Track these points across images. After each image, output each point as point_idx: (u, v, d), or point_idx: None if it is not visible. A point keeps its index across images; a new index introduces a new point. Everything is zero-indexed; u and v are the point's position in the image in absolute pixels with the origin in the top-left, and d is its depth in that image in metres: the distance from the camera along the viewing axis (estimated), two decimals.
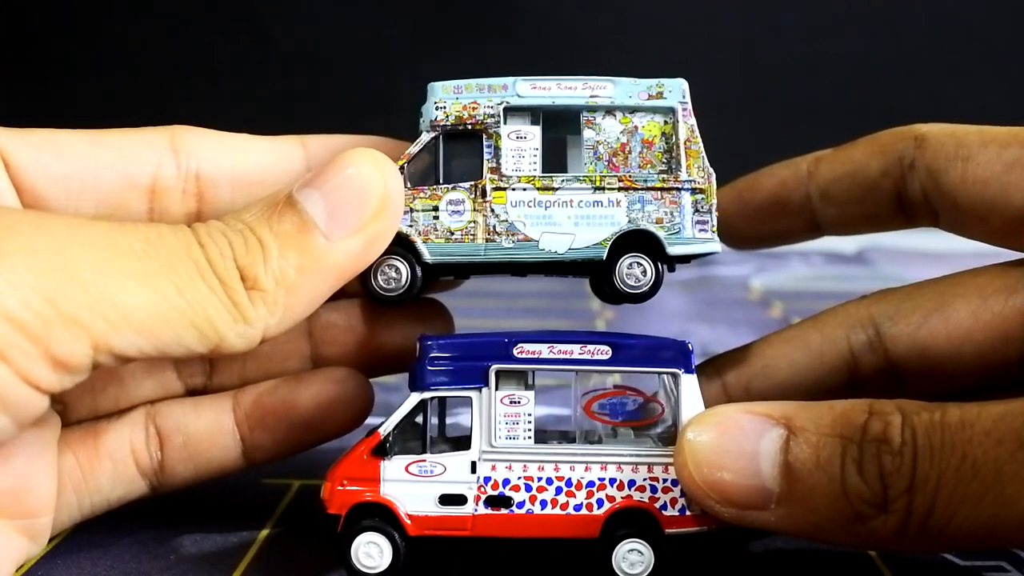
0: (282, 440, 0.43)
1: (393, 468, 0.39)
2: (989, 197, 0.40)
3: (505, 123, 0.41)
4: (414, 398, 0.39)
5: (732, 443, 0.36)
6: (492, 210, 0.40)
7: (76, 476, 0.40)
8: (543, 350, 0.39)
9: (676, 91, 0.41)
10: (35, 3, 1.26)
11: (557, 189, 0.40)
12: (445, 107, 0.41)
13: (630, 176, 0.40)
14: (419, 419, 0.40)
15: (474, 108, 0.41)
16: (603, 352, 0.39)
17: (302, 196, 0.36)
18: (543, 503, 0.39)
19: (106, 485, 0.41)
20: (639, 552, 0.38)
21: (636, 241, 0.40)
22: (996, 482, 0.32)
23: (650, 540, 0.38)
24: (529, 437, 0.39)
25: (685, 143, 0.41)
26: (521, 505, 0.39)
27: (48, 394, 0.32)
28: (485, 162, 0.40)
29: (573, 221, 0.40)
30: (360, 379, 0.43)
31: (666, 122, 0.41)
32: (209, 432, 0.42)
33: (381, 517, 0.39)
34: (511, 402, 0.39)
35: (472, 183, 0.40)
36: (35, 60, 1.27)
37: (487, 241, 0.40)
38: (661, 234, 0.40)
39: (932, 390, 0.41)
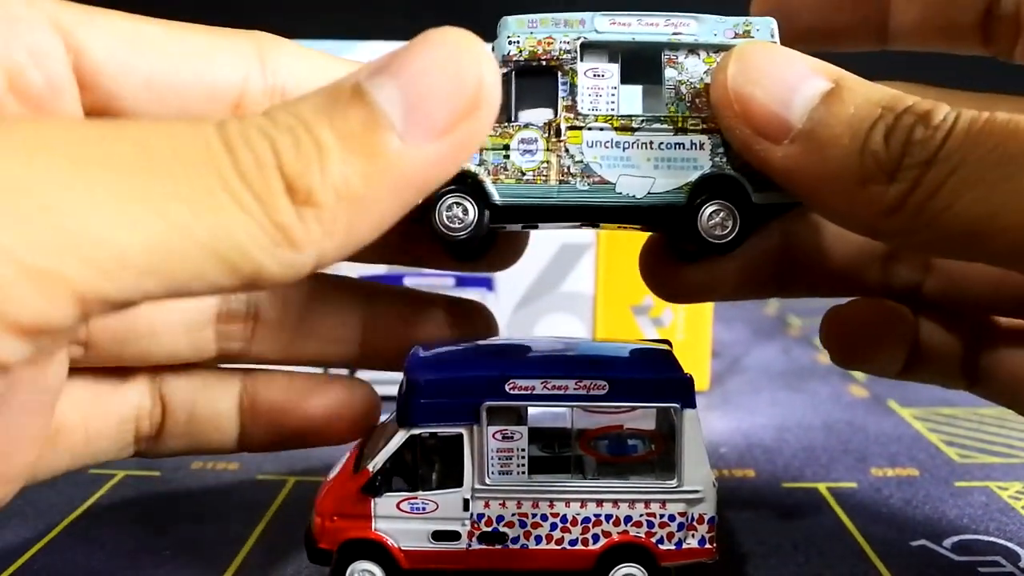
0: (280, 439, 0.41)
1: (384, 505, 0.39)
2: None
3: (582, 60, 0.37)
4: (402, 435, 0.38)
5: (779, 69, 0.33)
6: (567, 150, 0.37)
7: (77, 438, 0.38)
8: (536, 386, 0.38)
9: (764, 30, 0.38)
10: None
11: (636, 130, 0.37)
12: (519, 42, 0.37)
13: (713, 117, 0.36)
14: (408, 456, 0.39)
15: (549, 43, 0.37)
16: (600, 387, 0.37)
17: (374, 85, 0.27)
18: (537, 539, 0.38)
19: (103, 447, 0.39)
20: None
21: (717, 189, 0.37)
22: (1017, 173, 0.29)
23: (647, 567, 0.38)
24: (523, 472, 0.38)
25: None
26: (516, 540, 0.38)
27: (18, 363, 0.25)
28: (560, 100, 0.37)
29: (653, 164, 0.37)
30: (371, 393, 0.41)
31: None
32: (214, 415, 0.40)
33: (374, 552, 0.38)
34: (504, 437, 0.38)
35: (546, 122, 0.37)
36: None
37: (560, 183, 0.37)
38: (746, 181, 0.37)
39: None
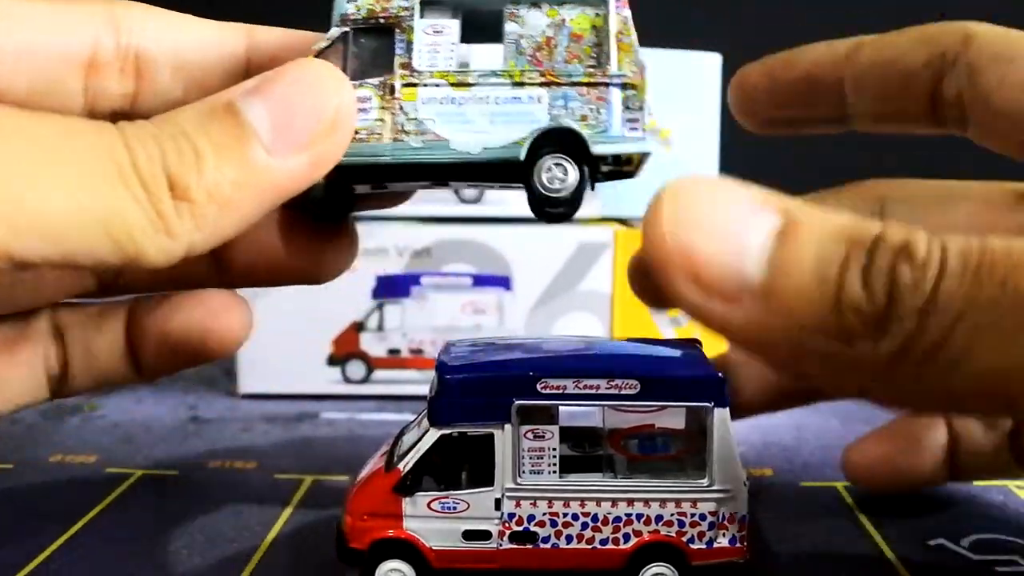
0: (167, 360, 0.41)
1: (415, 505, 0.38)
2: None
3: (422, 16, 0.37)
4: (434, 434, 0.38)
5: (722, 208, 0.29)
6: (401, 107, 0.37)
7: None
8: (568, 385, 0.38)
9: None
10: None
11: (473, 85, 0.36)
12: (357, 0, 0.37)
13: (553, 70, 0.36)
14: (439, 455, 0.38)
15: (388, 1, 0.37)
16: (631, 387, 0.37)
17: (245, 103, 0.32)
18: (569, 538, 0.38)
19: (17, 392, 0.40)
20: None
21: (561, 142, 0.36)
22: None
23: (678, 567, 0.38)
24: (554, 472, 0.38)
25: (617, 35, 0.37)
26: (547, 540, 0.38)
27: None
28: (396, 57, 0.37)
29: (488, 119, 0.36)
30: (237, 302, 0.41)
31: (597, 14, 0.37)
32: (109, 348, 0.41)
33: (404, 552, 0.38)
34: (535, 436, 0.38)
35: (381, 79, 0.37)
36: None
37: (394, 140, 0.36)
38: (585, 132, 0.36)
39: None
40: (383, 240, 0.63)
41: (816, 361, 0.28)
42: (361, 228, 0.63)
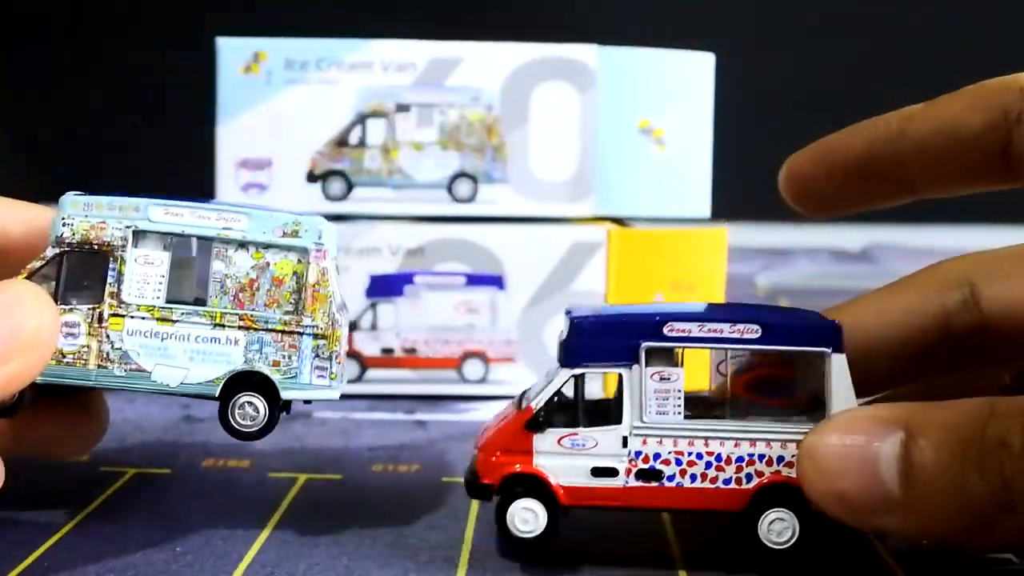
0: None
1: (545, 441, 0.40)
2: None
3: (135, 246, 0.40)
4: (565, 374, 0.40)
5: (852, 451, 0.36)
6: (107, 336, 0.40)
7: None
8: (693, 329, 0.40)
9: (312, 231, 0.40)
10: None
11: (176, 322, 0.40)
12: (72, 224, 0.40)
13: (252, 316, 0.40)
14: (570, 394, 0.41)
15: (102, 229, 0.40)
16: (753, 331, 0.40)
17: None
18: (693, 477, 0.40)
19: None
20: (782, 521, 0.40)
21: (253, 384, 0.40)
22: None
23: (797, 511, 0.39)
24: (679, 412, 0.40)
25: (313, 286, 0.40)
26: (671, 479, 0.40)
27: None
28: (107, 286, 0.40)
29: (189, 356, 0.40)
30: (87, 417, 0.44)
31: (300, 261, 0.40)
32: None
33: (534, 487, 0.40)
34: (661, 379, 0.40)
35: (90, 306, 0.40)
36: None
37: (99, 367, 0.40)
38: (276, 377, 0.40)
39: None
40: (376, 239, 0.63)
41: (965, 535, 0.35)
42: (355, 228, 0.64)
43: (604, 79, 0.63)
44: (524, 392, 0.43)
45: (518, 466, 0.40)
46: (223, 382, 0.40)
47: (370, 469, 0.51)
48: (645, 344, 0.39)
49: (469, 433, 0.57)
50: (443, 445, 0.55)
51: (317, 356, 0.40)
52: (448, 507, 0.46)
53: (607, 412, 0.41)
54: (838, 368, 0.39)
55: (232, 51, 0.63)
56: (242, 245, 0.40)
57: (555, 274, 0.63)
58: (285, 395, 0.40)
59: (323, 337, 0.40)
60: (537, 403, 0.40)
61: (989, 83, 0.42)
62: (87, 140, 1.11)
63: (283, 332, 0.40)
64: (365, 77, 0.63)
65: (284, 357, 0.40)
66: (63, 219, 0.40)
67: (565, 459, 0.40)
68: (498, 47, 0.63)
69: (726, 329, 0.39)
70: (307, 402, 0.41)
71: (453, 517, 0.44)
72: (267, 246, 0.40)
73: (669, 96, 0.65)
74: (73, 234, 0.40)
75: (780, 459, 0.40)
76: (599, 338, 0.40)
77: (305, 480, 0.49)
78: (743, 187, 0.84)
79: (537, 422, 0.40)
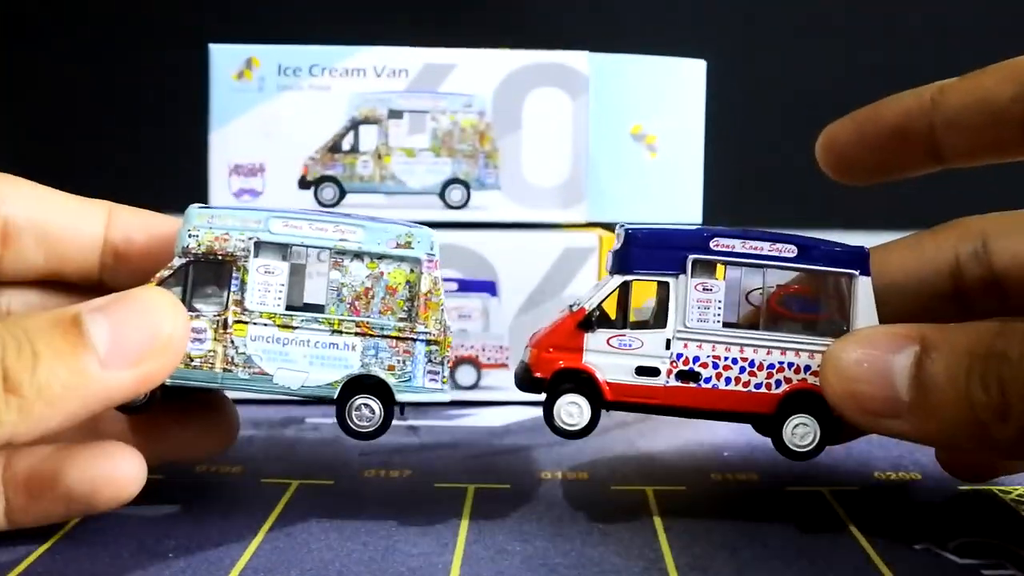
0: (46, 510, 0.42)
1: (596, 340, 0.44)
2: None
3: (256, 256, 0.42)
4: (616, 280, 0.44)
5: (870, 359, 0.39)
6: (232, 342, 0.42)
7: None
8: (736, 245, 0.43)
9: (425, 242, 0.43)
10: None
11: (296, 328, 0.42)
12: (198, 236, 0.42)
13: (368, 322, 0.42)
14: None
15: (225, 240, 0.42)
16: (790, 251, 0.44)
17: (90, 319, 0.37)
18: (727, 380, 0.43)
19: None
20: (805, 426, 0.43)
21: (369, 387, 0.43)
22: None
23: (819, 418, 0.43)
24: (718, 321, 0.44)
25: (426, 295, 0.43)
26: (708, 380, 0.43)
27: None
28: (231, 294, 0.42)
29: (308, 360, 0.42)
30: (133, 456, 0.42)
31: (412, 271, 0.43)
32: None
33: (582, 382, 0.43)
34: (704, 289, 0.44)
35: (215, 313, 0.42)
36: None
37: (224, 371, 0.42)
38: (391, 381, 0.42)
39: None
40: None
41: (958, 442, 0.39)
42: None
43: (596, 85, 0.64)
44: (573, 302, 0.46)
45: (571, 362, 0.43)
46: (341, 385, 0.42)
47: (362, 475, 0.51)
48: (692, 256, 0.43)
49: (461, 439, 0.57)
50: (435, 451, 0.55)
51: (430, 361, 0.43)
52: (440, 512, 0.46)
53: (643, 324, 0.44)
54: (864, 289, 0.43)
55: (225, 57, 0.63)
56: (358, 256, 0.43)
57: (547, 280, 0.64)
58: (400, 398, 0.43)
59: (435, 343, 0.43)
60: (590, 304, 0.43)
61: (1021, 59, 0.44)
62: (79, 145, 1.11)
63: (398, 338, 0.43)
64: (358, 83, 0.64)
65: (399, 362, 0.43)
66: (189, 231, 0.42)
67: (612, 358, 0.43)
68: (491, 54, 0.63)
69: (766, 247, 0.43)
70: (412, 406, 0.44)
71: (445, 522, 0.44)
72: (381, 257, 0.43)
73: (661, 102, 0.66)
74: (199, 245, 0.42)
75: (807, 368, 0.43)
76: (651, 249, 0.44)
77: (297, 485, 0.49)
78: (735, 193, 0.85)
79: (589, 322, 0.43)
